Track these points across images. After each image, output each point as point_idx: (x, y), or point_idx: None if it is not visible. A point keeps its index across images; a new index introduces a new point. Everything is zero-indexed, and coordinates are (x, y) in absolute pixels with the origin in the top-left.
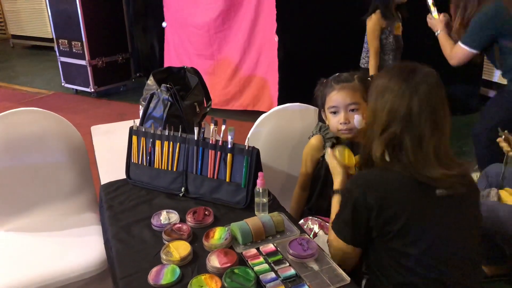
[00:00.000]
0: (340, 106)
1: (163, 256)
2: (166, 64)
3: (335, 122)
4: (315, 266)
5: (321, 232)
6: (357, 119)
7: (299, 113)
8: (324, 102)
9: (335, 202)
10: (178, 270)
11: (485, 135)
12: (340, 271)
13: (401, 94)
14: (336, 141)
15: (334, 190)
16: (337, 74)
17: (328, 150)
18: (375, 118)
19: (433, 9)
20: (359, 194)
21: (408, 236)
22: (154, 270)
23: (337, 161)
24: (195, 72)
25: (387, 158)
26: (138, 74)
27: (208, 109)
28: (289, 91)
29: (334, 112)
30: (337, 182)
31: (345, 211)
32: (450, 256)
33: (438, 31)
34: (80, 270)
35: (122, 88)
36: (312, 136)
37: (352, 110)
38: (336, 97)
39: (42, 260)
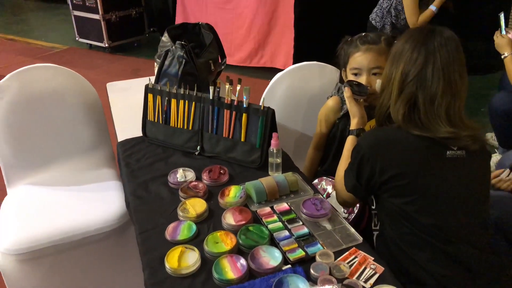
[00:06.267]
0: (363, 69)
1: (179, 213)
2: (177, 20)
3: None
4: (328, 226)
5: (334, 193)
6: (379, 84)
7: (316, 72)
8: (347, 62)
9: (349, 143)
10: (194, 227)
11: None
12: (353, 230)
13: (415, 58)
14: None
15: (350, 130)
16: (363, 33)
17: (346, 91)
18: (392, 79)
19: (504, 27)
20: (367, 152)
21: (412, 195)
22: (171, 226)
23: (355, 102)
24: (210, 28)
25: (403, 118)
26: (151, 29)
27: (223, 67)
28: (306, 48)
29: (356, 74)
30: (354, 123)
31: (353, 164)
32: (454, 212)
33: (506, 54)
34: (100, 223)
35: (136, 44)
36: (330, 97)
37: (375, 74)
38: (361, 59)
39: (63, 213)
